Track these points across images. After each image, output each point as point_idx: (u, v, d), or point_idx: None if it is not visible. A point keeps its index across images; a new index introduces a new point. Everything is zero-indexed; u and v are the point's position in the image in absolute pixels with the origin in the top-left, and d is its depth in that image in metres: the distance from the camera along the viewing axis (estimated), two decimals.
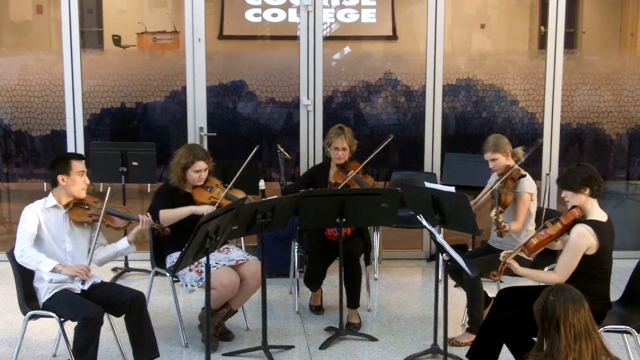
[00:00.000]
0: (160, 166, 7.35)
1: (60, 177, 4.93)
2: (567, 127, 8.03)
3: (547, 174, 7.54)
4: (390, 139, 6.27)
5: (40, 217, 4.90)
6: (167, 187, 5.71)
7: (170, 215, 5.50)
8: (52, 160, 5.10)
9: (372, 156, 6.16)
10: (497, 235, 5.49)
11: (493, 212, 5.37)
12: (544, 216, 5.85)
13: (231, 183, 5.65)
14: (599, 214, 4.71)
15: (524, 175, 5.65)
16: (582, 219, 4.68)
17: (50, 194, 5.00)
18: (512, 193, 5.57)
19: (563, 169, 6.90)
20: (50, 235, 4.92)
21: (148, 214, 5.23)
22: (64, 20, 7.30)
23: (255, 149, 5.85)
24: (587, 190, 4.69)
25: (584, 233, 4.59)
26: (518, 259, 4.81)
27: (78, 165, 4.97)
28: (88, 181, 5.06)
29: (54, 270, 4.78)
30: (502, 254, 4.82)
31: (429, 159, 7.64)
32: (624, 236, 7.18)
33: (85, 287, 4.96)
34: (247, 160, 5.72)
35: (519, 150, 5.80)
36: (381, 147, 6.20)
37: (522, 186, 5.63)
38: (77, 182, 4.95)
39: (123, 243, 5.13)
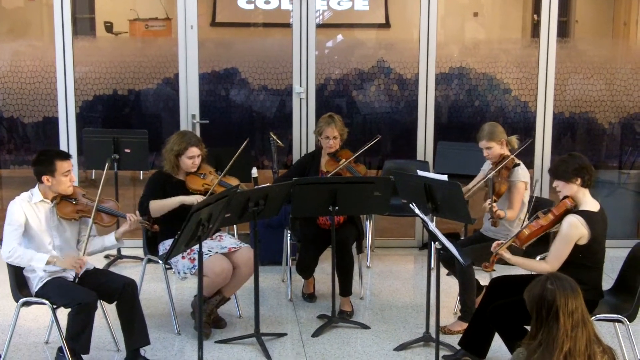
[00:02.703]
0: (152, 153, 7.33)
1: (44, 178, 4.83)
2: (559, 116, 8.03)
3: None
4: (377, 139, 6.24)
5: (26, 211, 4.82)
6: (159, 175, 5.69)
7: (159, 206, 5.49)
8: (36, 155, 4.94)
9: (357, 154, 6.14)
10: (491, 225, 5.49)
11: (487, 202, 5.38)
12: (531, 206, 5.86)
13: (224, 172, 5.64)
14: (591, 204, 4.72)
15: (518, 164, 5.65)
16: (574, 209, 4.69)
17: (37, 188, 4.90)
18: (507, 182, 5.56)
19: (555, 158, 6.91)
20: (38, 229, 4.85)
21: (137, 212, 5.18)
22: (55, 6, 7.27)
23: (246, 142, 5.82)
24: (579, 180, 4.69)
25: (575, 223, 4.60)
26: (510, 247, 4.81)
27: (63, 166, 4.84)
28: (74, 179, 4.99)
29: (47, 264, 4.74)
30: (494, 245, 4.82)
31: (422, 148, 7.64)
32: (616, 225, 7.19)
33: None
34: (237, 153, 5.68)
35: (514, 138, 5.78)
36: (367, 146, 6.17)
37: (517, 175, 5.62)
38: (62, 182, 4.85)
39: (110, 239, 5.07)
